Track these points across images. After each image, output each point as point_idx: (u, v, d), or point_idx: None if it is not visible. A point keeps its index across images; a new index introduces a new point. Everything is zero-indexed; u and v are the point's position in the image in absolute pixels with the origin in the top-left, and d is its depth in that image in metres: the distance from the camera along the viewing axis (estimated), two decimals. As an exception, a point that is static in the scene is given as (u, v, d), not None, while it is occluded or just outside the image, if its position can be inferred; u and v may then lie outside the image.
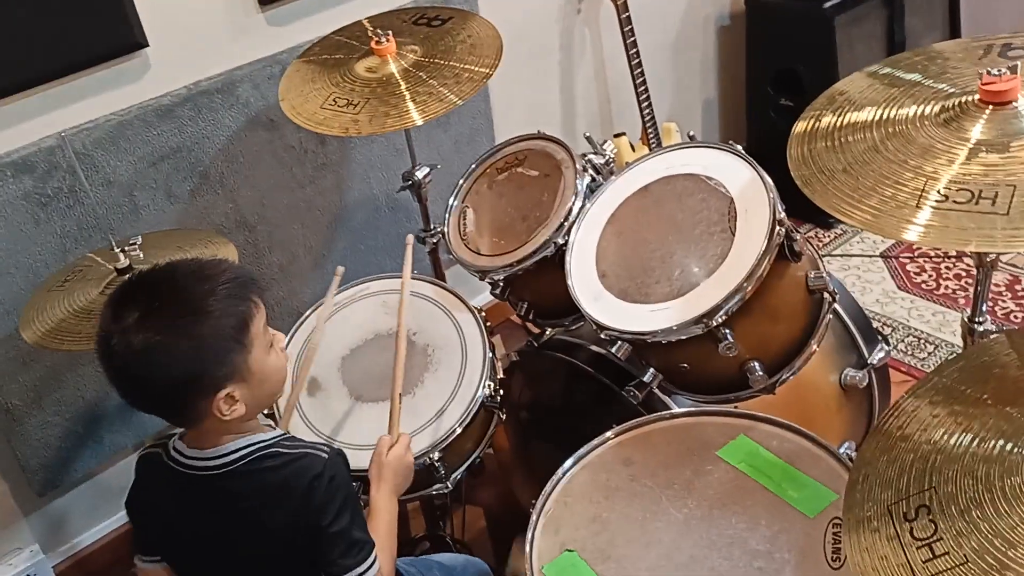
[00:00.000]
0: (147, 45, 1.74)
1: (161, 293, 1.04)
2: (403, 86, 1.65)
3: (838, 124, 1.20)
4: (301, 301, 2.11)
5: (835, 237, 2.73)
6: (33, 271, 1.73)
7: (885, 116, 1.16)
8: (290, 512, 1.11)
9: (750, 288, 1.26)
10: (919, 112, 1.14)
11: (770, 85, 2.76)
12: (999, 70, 1.07)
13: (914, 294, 2.47)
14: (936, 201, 1.02)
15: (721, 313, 1.26)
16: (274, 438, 1.15)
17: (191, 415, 1.09)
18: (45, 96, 1.68)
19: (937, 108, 1.13)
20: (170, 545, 1.21)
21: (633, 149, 2.54)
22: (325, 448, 1.15)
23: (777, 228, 1.27)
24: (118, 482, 2.04)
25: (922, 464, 0.89)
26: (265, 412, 1.40)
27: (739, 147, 1.42)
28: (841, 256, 2.65)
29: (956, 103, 1.11)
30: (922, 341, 2.32)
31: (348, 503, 1.13)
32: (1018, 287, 2.41)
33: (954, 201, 1.02)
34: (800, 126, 1.24)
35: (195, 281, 1.04)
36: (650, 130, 2.54)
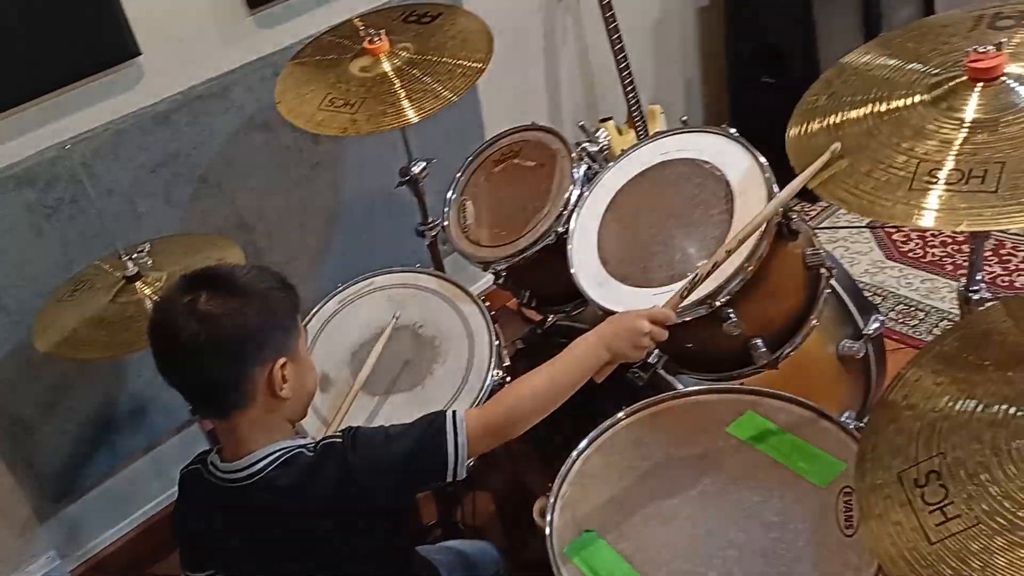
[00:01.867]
0: (140, 53, 1.75)
1: (222, 275, 1.11)
2: (397, 84, 1.67)
3: (833, 109, 1.23)
4: (303, 299, 2.11)
5: (822, 210, 2.78)
6: (39, 281, 1.74)
7: (878, 98, 1.19)
8: (330, 486, 1.10)
9: (751, 268, 1.29)
10: (911, 93, 1.17)
11: (751, 63, 2.79)
12: (985, 47, 1.10)
13: (902, 263, 2.53)
14: (929, 183, 1.06)
15: (724, 294, 1.30)
16: (301, 443, 1.15)
17: (243, 389, 1.08)
18: (43, 108, 1.68)
19: (928, 87, 1.16)
20: (223, 558, 1.21)
21: (620, 133, 2.57)
22: (336, 437, 1.15)
23: (775, 209, 1.31)
24: (131, 486, 2.06)
25: (929, 431, 0.92)
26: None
27: (733, 130, 1.46)
28: (829, 228, 2.70)
29: (946, 82, 1.14)
30: (912, 309, 2.38)
31: (381, 435, 1.13)
32: (1003, 251, 2.46)
33: (963, 183, 1.04)
34: (794, 125, 1.27)
35: (251, 273, 1.13)
36: (635, 114, 2.57)
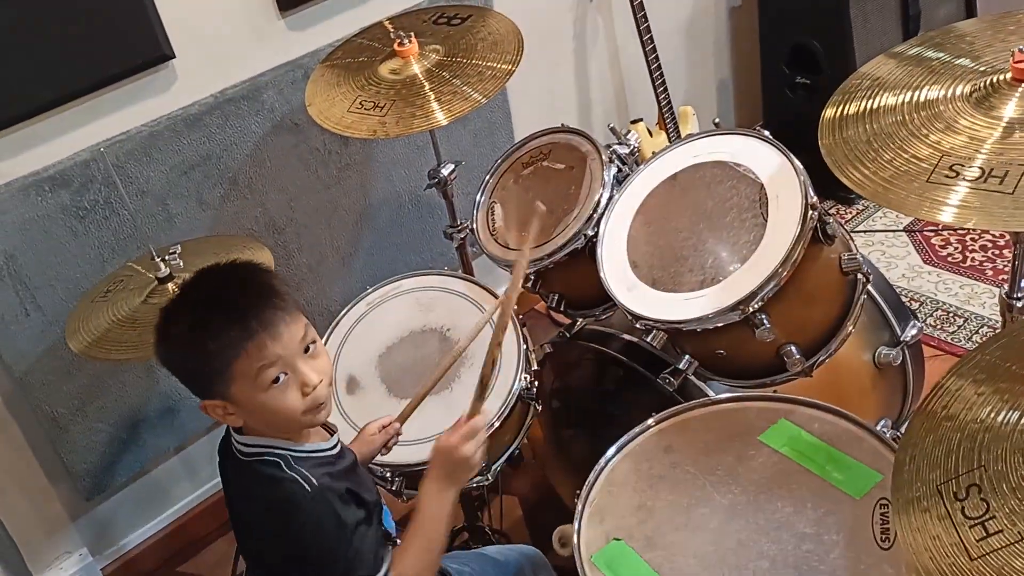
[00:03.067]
0: (174, 56, 1.76)
1: (186, 304, 1.12)
2: (427, 87, 1.66)
3: (868, 107, 1.21)
4: (331, 300, 2.13)
5: (857, 213, 2.73)
6: (73, 282, 1.77)
7: (917, 93, 1.17)
8: (271, 525, 1.13)
9: (785, 274, 1.27)
10: (951, 90, 1.14)
11: (785, 63, 2.75)
12: (1032, 48, 1.07)
13: (940, 267, 2.47)
14: (966, 180, 1.03)
15: (757, 299, 1.27)
16: (291, 450, 1.14)
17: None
18: (78, 111, 1.70)
19: (968, 88, 1.13)
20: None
21: (651, 134, 2.54)
22: (312, 483, 1.12)
23: (810, 212, 1.28)
24: (162, 484, 2.08)
25: (970, 443, 0.90)
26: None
27: (766, 132, 1.43)
28: (864, 232, 2.65)
29: (988, 82, 1.12)
30: (951, 315, 2.32)
31: (321, 536, 1.12)
32: (1044, 257, 2.40)
33: (981, 181, 1.03)
34: (829, 111, 1.25)
35: (209, 306, 1.10)
36: (666, 115, 2.54)
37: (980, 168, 1.04)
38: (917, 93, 1.18)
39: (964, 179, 1.04)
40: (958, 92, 1.14)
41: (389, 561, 1.18)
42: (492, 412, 1.45)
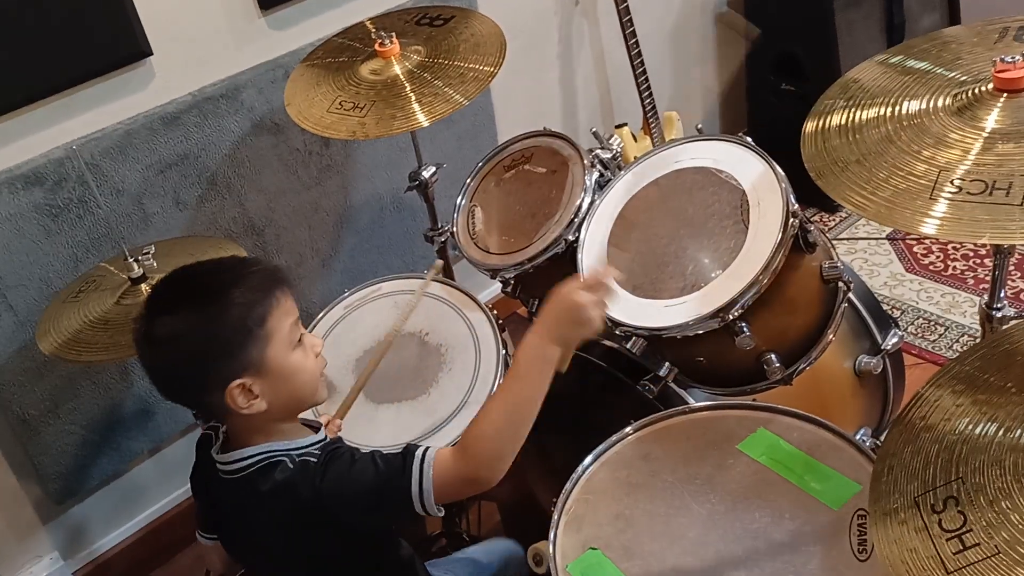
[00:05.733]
0: (151, 53, 1.74)
1: (185, 285, 1.07)
2: (408, 88, 1.65)
3: (851, 116, 1.20)
4: (310, 302, 2.11)
5: (840, 220, 2.73)
6: (46, 282, 1.74)
7: (898, 106, 1.16)
8: (300, 506, 1.07)
9: (766, 281, 1.26)
10: (933, 101, 1.14)
11: (770, 70, 2.76)
12: (1013, 57, 1.06)
13: (922, 276, 2.48)
14: (950, 192, 1.02)
15: (738, 307, 1.26)
16: (290, 448, 1.11)
17: (212, 408, 1.08)
18: (52, 108, 1.67)
19: (951, 97, 1.13)
20: (218, 528, 1.25)
21: (635, 139, 2.54)
22: (315, 454, 1.10)
23: (791, 220, 1.28)
24: (136, 487, 2.05)
25: (948, 455, 0.89)
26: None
27: (749, 139, 1.42)
28: (847, 239, 2.66)
29: (970, 92, 1.11)
30: (932, 323, 2.33)
31: (348, 463, 1.08)
32: (1026, 266, 2.42)
33: (968, 192, 1.02)
34: (812, 119, 1.24)
35: (217, 273, 1.08)
36: (651, 120, 2.54)
37: (983, 182, 1.01)
38: (897, 107, 1.17)
39: (968, 193, 1.01)
40: (939, 104, 1.13)
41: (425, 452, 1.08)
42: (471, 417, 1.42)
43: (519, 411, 1.06)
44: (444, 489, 1.06)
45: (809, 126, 1.23)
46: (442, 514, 1.08)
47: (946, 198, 1.03)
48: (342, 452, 1.11)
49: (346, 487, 1.07)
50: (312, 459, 1.10)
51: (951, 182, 1.04)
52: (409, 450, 1.09)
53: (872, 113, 1.18)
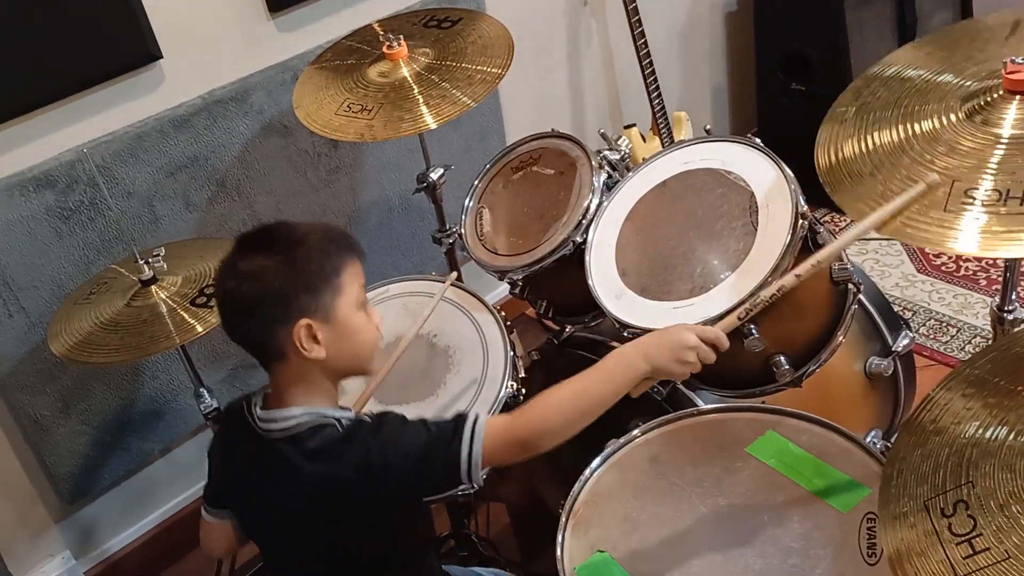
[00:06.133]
0: (161, 57, 1.75)
1: (272, 232, 1.13)
2: (416, 90, 1.65)
3: (863, 124, 1.18)
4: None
5: (851, 221, 2.71)
6: (58, 284, 1.75)
7: (910, 112, 1.14)
8: (350, 467, 1.08)
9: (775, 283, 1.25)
10: (944, 106, 1.12)
11: (780, 70, 2.74)
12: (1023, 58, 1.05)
13: (934, 277, 2.46)
14: (965, 203, 1.00)
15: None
16: (338, 415, 1.12)
17: (272, 347, 1.11)
18: (64, 111, 1.69)
19: (962, 100, 1.11)
20: (238, 504, 1.24)
21: (644, 140, 2.53)
22: (364, 419, 1.13)
23: (800, 221, 1.27)
24: (147, 487, 2.06)
25: (958, 458, 0.88)
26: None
27: (758, 140, 1.42)
28: (858, 240, 2.64)
29: (982, 95, 1.09)
30: (944, 324, 2.31)
31: (401, 424, 1.11)
32: (1038, 267, 2.39)
33: (983, 203, 0.99)
34: (824, 128, 1.22)
35: (302, 226, 1.14)
36: (660, 120, 2.53)
37: (998, 191, 0.99)
38: (910, 118, 1.14)
39: (983, 204, 0.99)
40: (951, 113, 1.10)
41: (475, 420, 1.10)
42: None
43: (587, 399, 1.11)
44: (493, 452, 1.09)
45: (822, 135, 1.21)
46: (481, 485, 1.11)
47: (962, 210, 1.00)
48: (393, 416, 1.13)
49: (398, 447, 1.09)
50: (365, 418, 1.12)
51: (966, 193, 1.01)
52: (460, 417, 1.11)
53: (883, 118, 1.16)
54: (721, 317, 1.21)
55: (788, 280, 1.14)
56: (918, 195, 1.05)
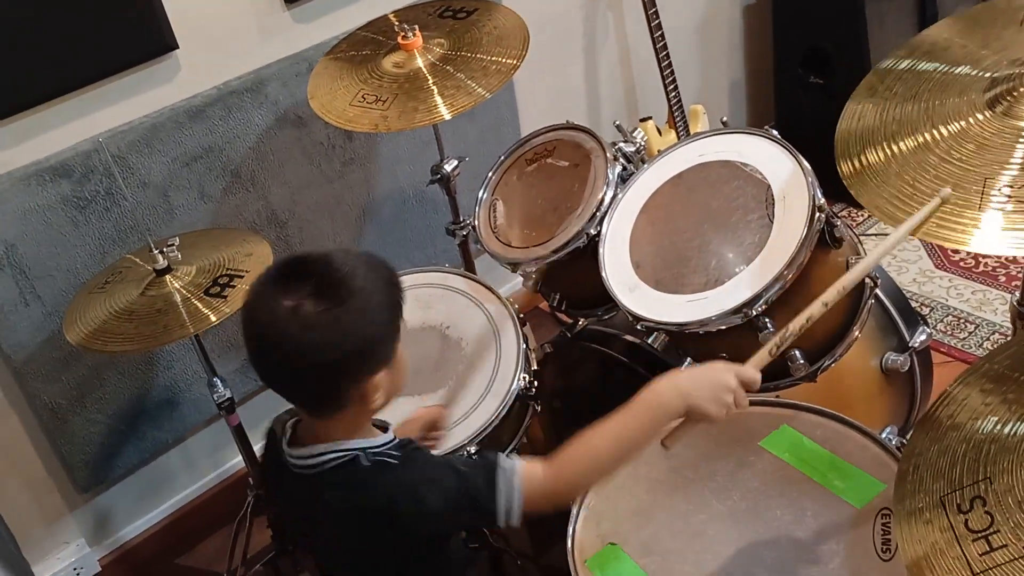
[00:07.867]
0: (177, 47, 1.75)
1: (331, 272, 1.00)
2: (431, 81, 1.64)
3: (883, 120, 1.15)
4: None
5: (868, 216, 2.69)
6: (73, 273, 1.76)
7: (931, 106, 1.11)
8: (374, 504, 1.05)
9: (791, 276, 1.24)
10: (966, 100, 1.09)
11: (799, 64, 2.72)
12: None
13: (952, 272, 2.43)
14: (1000, 202, 0.97)
15: (761, 302, 1.25)
16: (366, 446, 1.07)
17: (332, 399, 1.03)
18: (80, 101, 1.69)
19: (983, 92, 1.09)
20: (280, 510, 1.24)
21: (660, 133, 2.51)
22: (392, 454, 1.07)
23: (817, 214, 1.26)
24: (161, 476, 2.07)
25: (975, 454, 0.87)
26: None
27: (775, 132, 1.40)
28: (876, 235, 2.61)
29: (1002, 85, 1.07)
30: (962, 321, 2.29)
31: (436, 483, 1.05)
32: (1059, 263, 2.36)
33: (1018, 200, 0.96)
34: (843, 124, 1.19)
35: (360, 266, 1.02)
36: (677, 113, 2.51)
37: None
38: (930, 111, 1.11)
39: (1019, 201, 0.95)
40: (974, 107, 1.08)
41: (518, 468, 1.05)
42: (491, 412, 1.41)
43: (621, 447, 1.06)
44: (528, 506, 1.04)
45: (841, 129, 1.18)
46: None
47: (996, 208, 0.97)
48: (420, 460, 1.07)
49: (424, 500, 1.03)
50: (390, 459, 1.06)
51: (999, 190, 0.98)
52: (491, 464, 1.04)
53: (904, 114, 1.13)
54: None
55: (815, 308, 1.10)
56: (934, 210, 1.02)
